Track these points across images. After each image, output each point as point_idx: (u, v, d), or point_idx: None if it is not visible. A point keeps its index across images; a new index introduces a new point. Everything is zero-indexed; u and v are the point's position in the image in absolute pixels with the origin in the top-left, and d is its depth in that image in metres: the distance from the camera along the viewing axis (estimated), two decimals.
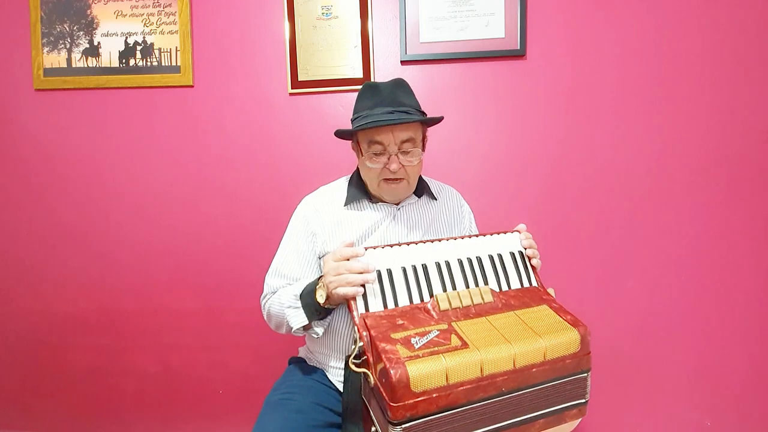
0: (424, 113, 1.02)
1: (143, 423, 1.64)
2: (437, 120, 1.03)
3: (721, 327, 1.47)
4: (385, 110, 0.96)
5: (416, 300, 0.84)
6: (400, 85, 1.02)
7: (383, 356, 0.69)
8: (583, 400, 0.80)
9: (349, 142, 1.10)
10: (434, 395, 0.68)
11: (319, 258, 1.03)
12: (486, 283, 0.89)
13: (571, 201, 1.48)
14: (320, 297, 0.89)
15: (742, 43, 1.41)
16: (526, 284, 0.92)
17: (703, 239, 1.46)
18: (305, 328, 0.96)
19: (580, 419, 0.81)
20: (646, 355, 1.50)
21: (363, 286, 0.82)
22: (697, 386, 1.50)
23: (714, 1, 1.41)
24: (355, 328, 0.79)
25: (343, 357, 0.98)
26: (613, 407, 1.52)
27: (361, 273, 0.82)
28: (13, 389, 1.66)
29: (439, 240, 0.92)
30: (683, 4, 1.42)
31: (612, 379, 1.50)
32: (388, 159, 0.97)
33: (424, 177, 1.14)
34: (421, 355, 0.69)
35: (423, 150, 1.03)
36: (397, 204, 1.07)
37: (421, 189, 1.10)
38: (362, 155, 1.01)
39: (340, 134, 1.04)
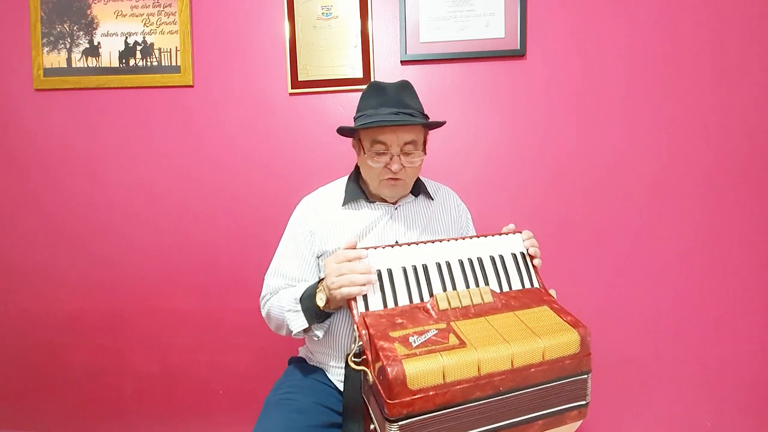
0: (427, 116, 1.03)
1: (143, 423, 1.64)
2: (440, 124, 1.04)
3: (721, 328, 1.47)
4: (390, 111, 0.97)
5: (416, 300, 0.84)
6: (405, 87, 1.03)
7: (381, 354, 0.69)
8: (584, 402, 0.79)
9: (350, 141, 1.10)
10: (431, 393, 0.68)
11: (318, 258, 1.04)
12: (486, 283, 0.89)
13: (572, 202, 1.48)
14: (320, 300, 0.89)
15: (746, 43, 1.40)
16: (527, 285, 0.92)
17: (704, 241, 1.46)
18: (305, 330, 0.96)
19: (581, 421, 0.81)
20: (646, 356, 1.50)
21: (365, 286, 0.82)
22: (698, 387, 1.49)
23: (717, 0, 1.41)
24: (355, 326, 0.79)
25: (344, 357, 0.98)
26: (613, 407, 1.51)
27: (364, 273, 0.82)
28: (13, 389, 1.66)
29: (440, 240, 0.92)
30: (684, 3, 1.41)
31: (612, 379, 1.49)
32: (390, 159, 0.98)
33: (420, 177, 1.14)
34: (418, 354, 0.69)
35: (424, 152, 1.04)
36: (395, 203, 1.08)
37: (418, 188, 1.11)
38: (364, 153, 1.01)
39: (343, 131, 1.04)
